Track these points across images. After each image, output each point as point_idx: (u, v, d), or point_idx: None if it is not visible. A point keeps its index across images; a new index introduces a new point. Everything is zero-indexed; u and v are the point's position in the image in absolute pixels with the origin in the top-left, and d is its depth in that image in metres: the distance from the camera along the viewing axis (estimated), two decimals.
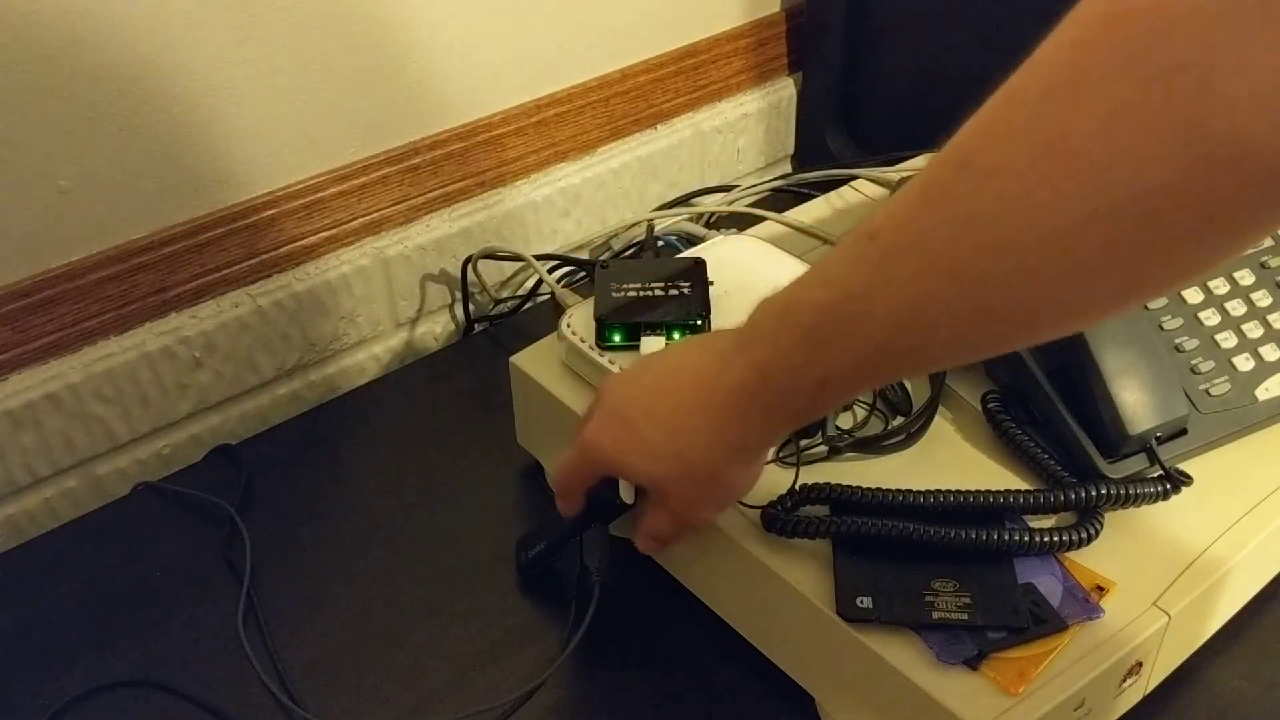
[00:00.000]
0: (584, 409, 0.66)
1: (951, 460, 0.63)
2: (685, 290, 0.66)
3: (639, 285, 0.68)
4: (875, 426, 0.64)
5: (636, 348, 0.65)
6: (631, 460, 0.55)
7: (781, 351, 0.47)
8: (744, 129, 1.10)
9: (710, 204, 1.03)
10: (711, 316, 0.66)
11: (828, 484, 0.59)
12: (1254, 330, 0.66)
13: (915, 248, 0.41)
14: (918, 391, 0.66)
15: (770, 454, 0.63)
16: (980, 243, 0.39)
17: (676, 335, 0.65)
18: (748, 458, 0.55)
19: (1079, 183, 0.35)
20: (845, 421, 0.65)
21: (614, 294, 0.68)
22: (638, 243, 0.99)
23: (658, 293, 0.67)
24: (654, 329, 0.65)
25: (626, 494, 0.61)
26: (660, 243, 0.96)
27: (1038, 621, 0.53)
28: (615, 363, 0.65)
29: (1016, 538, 0.56)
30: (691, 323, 0.65)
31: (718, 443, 0.52)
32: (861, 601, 0.54)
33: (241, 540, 0.72)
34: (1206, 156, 0.33)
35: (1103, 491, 0.57)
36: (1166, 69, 0.33)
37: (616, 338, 0.66)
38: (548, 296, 0.93)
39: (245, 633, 0.67)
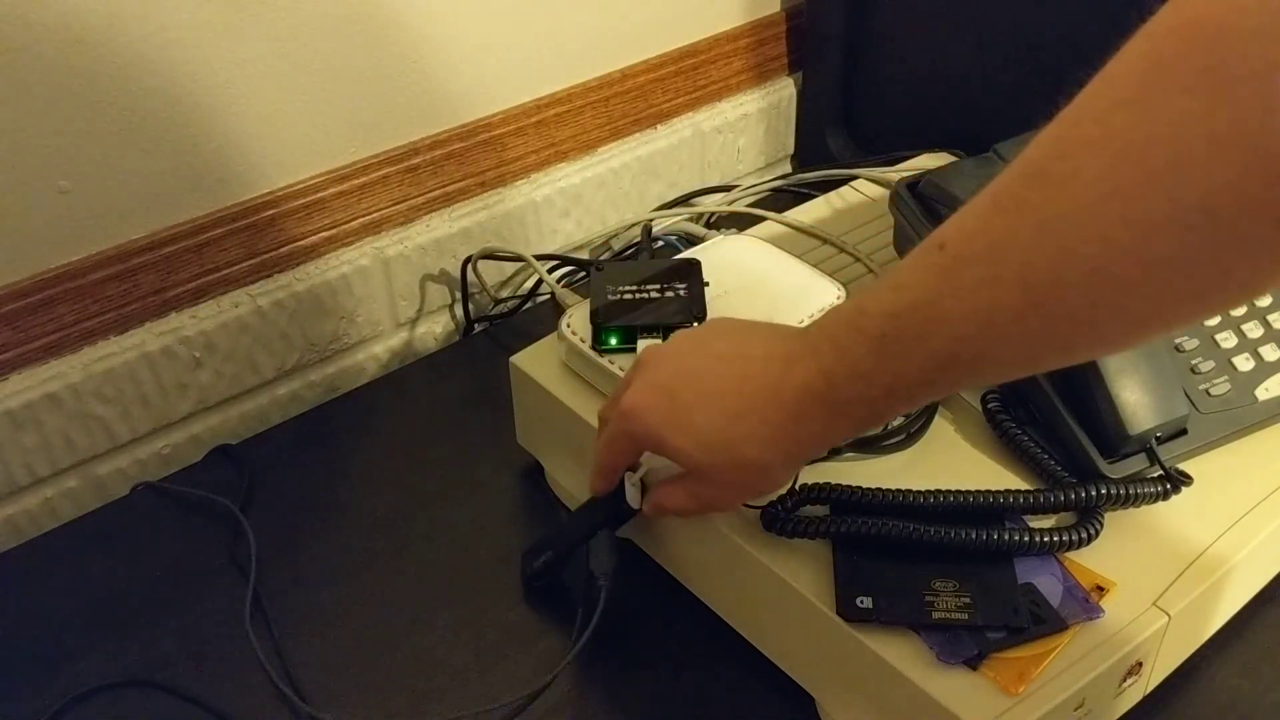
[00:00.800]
0: (584, 409, 0.67)
1: (951, 460, 0.63)
2: (681, 292, 0.66)
3: (635, 287, 0.68)
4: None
5: (634, 350, 0.65)
6: (676, 439, 0.54)
7: (849, 359, 0.47)
8: (744, 129, 1.10)
9: (710, 204, 1.03)
10: (708, 318, 0.66)
11: (828, 484, 0.59)
12: (1254, 330, 0.66)
13: (985, 256, 0.41)
14: None
15: None
16: (1052, 250, 0.39)
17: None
18: (799, 460, 0.55)
19: (1149, 190, 0.36)
20: None
21: (610, 296, 0.68)
22: (635, 244, 0.99)
23: (654, 294, 0.67)
24: (651, 331, 0.65)
25: (633, 499, 0.61)
26: (660, 243, 0.96)
27: (1038, 621, 0.53)
28: (615, 363, 0.65)
29: (1016, 538, 0.56)
30: (688, 324, 0.65)
31: (774, 441, 0.51)
32: (861, 601, 0.54)
33: (245, 540, 0.72)
34: (1267, 162, 0.34)
35: (1103, 491, 0.57)
36: (1231, 80, 0.34)
37: (613, 340, 0.66)
38: (548, 296, 0.93)
39: (253, 630, 0.67)
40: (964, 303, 0.42)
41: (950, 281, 0.43)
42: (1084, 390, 0.60)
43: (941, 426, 0.65)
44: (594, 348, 0.66)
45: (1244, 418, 0.63)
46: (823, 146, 1.09)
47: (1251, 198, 0.35)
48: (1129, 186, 0.37)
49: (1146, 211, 0.37)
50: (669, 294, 0.66)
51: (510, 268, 0.97)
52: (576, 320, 0.69)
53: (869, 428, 0.52)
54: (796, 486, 0.59)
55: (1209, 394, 0.63)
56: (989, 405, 0.63)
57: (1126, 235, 0.37)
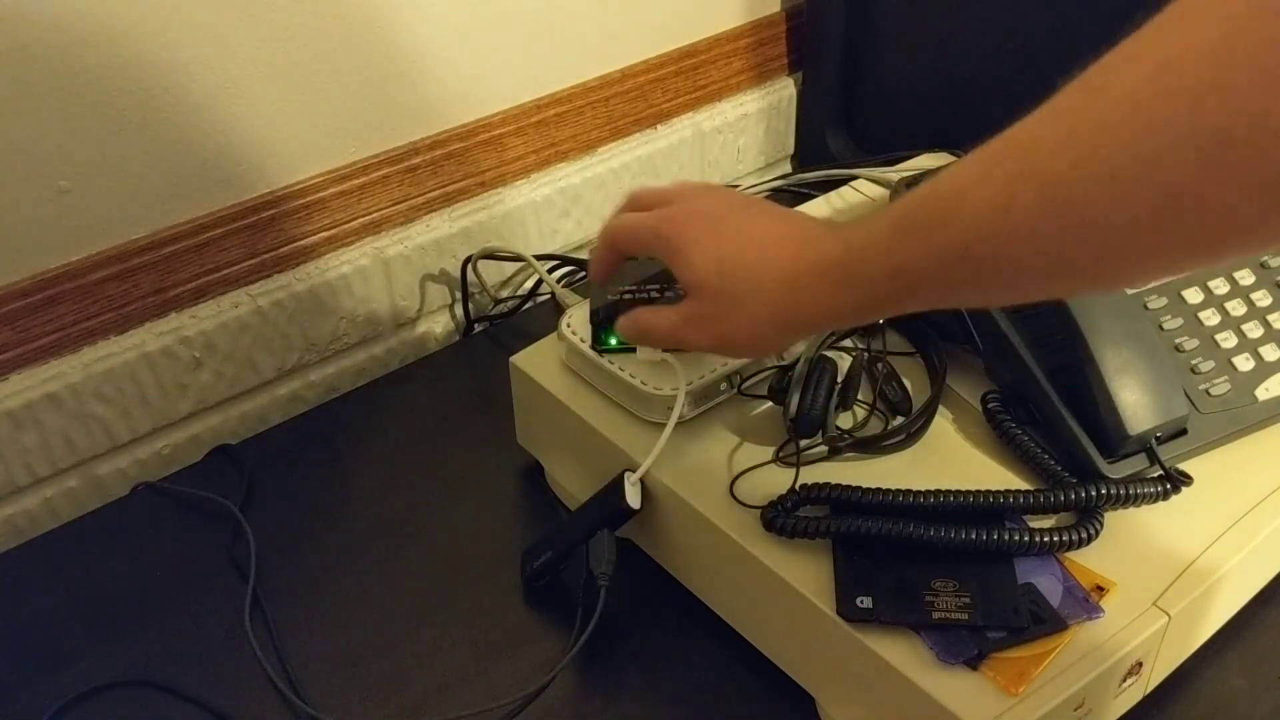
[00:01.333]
0: (584, 409, 0.67)
1: (951, 460, 0.63)
2: (680, 291, 0.66)
3: (635, 287, 0.68)
4: (875, 426, 0.64)
5: (633, 350, 0.65)
6: (696, 254, 0.55)
7: (868, 230, 0.48)
8: (744, 129, 1.10)
9: None
10: None
11: (828, 484, 0.59)
12: (1254, 330, 0.66)
13: (1017, 154, 0.42)
14: (918, 391, 0.66)
15: (770, 453, 0.63)
16: (1075, 154, 0.39)
17: None
18: (793, 328, 0.55)
19: (1172, 106, 0.36)
20: (845, 421, 0.65)
21: (610, 296, 0.68)
22: None
23: (653, 294, 0.67)
24: None
25: (633, 499, 0.61)
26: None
27: (1038, 621, 0.53)
28: (614, 363, 0.65)
29: (1016, 538, 0.56)
30: None
31: (781, 294, 0.52)
32: (861, 601, 0.54)
33: (245, 540, 0.72)
34: None
35: (1103, 491, 0.57)
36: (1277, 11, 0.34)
37: (613, 340, 0.66)
38: (548, 296, 0.93)
39: (252, 631, 0.67)
40: (984, 198, 0.43)
41: (979, 175, 0.43)
42: (1084, 390, 0.60)
43: (941, 426, 0.65)
44: (594, 348, 0.66)
45: (1244, 418, 0.63)
46: (823, 146, 1.09)
47: (1272, 132, 0.34)
48: (1154, 100, 0.37)
49: (1167, 128, 0.37)
50: (669, 294, 0.66)
51: (510, 268, 0.97)
52: (576, 320, 0.69)
53: (868, 315, 0.53)
54: (796, 486, 0.59)
55: (1209, 394, 0.63)
56: (989, 405, 0.63)
57: (1143, 148, 0.37)
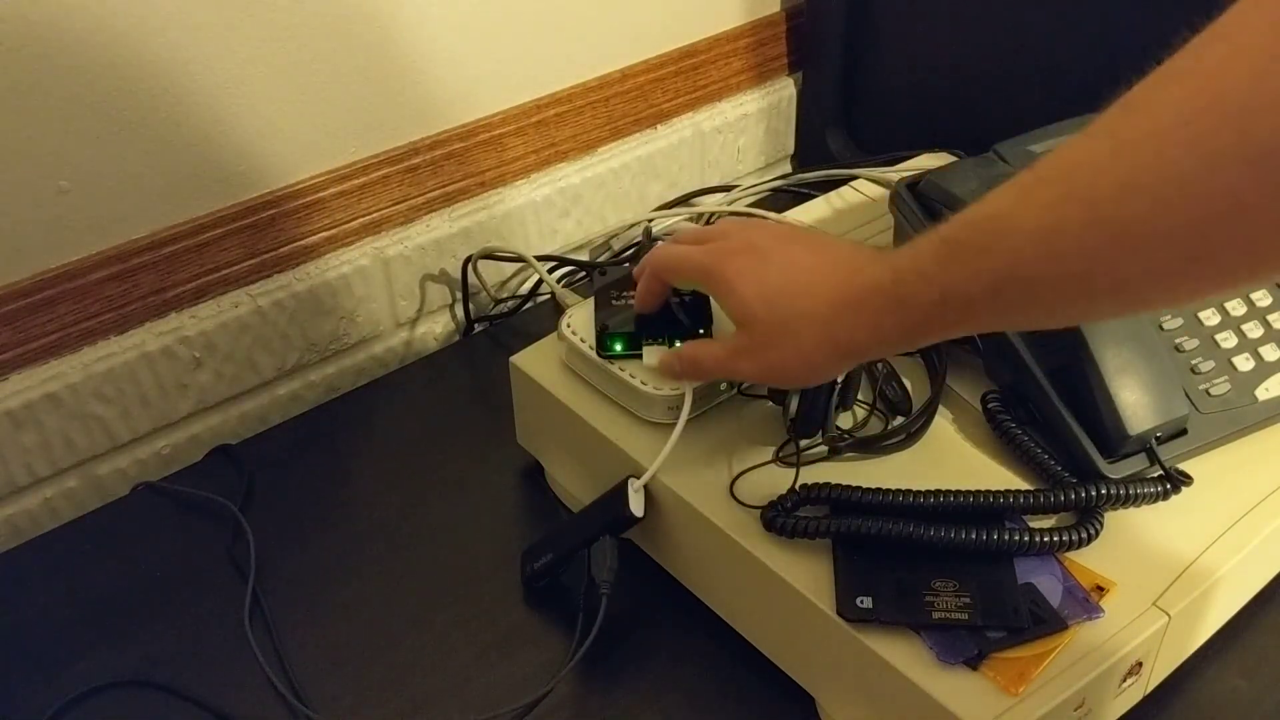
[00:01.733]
0: (584, 409, 0.67)
1: (951, 460, 0.63)
2: (685, 297, 0.66)
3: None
4: (875, 426, 0.64)
5: (638, 355, 0.65)
6: (744, 286, 0.55)
7: (918, 257, 0.48)
8: (744, 129, 1.10)
9: (710, 204, 1.03)
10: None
11: (828, 484, 0.59)
12: (1254, 330, 0.66)
13: (1064, 176, 0.43)
14: (918, 391, 0.66)
15: (770, 453, 0.63)
16: (1121, 171, 0.40)
17: (679, 344, 0.65)
18: (848, 356, 0.55)
19: (1221, 120, 0.37)
20: (845, 421, 0.65)
21: (614, 301, 0.68)
22: (636, 244, 0.99)
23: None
24: (656, 338, 0.65)
25: (636, 507, 0.61)
26: (660, 243, 0.96)
27: (1038, 621, 0.53)
28: (615, 363, 0.65)
29: (1016, 538, 0.56)
30: (693, 331, 0.65)
31: (830, 322, 0.52)
32: (861, 601, 0.54)
33: (244, 540, 0.72)
34: None
35: (1103, 491, 0.57)
36: None
37: (618, 346, 0.66)
38: (548, 296, 0.93)
39: (252, 631, 0.67)
40: (1032, 218, 0.43)
41: (1027, 197, 0.44)
42: (1084, 390, 0.60)
43: (941, 426, 0.65)
44: (598, 354, 0.66)
45: (1244, 418, 0.63)
46: (823, 146, 1.09)
47: None
48: (1202, 114, 0.37)
49: (1215, 142, 0.37)
50: (674, 299, 0.66)
51: (510, 268, 0.97)
52: (576, 320, 0.69)
53: (919, 339, 0.52)
54: (796, 486, 0.59)
55: (1209, 394, 0.63)
56: (989, 405, 0.63)
57: (1190, 163, 0.37)
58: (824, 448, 0.63)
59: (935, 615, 0.54)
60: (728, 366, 0.59)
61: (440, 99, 0.87)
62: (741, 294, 0.56)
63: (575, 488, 0.71)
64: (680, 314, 0.65)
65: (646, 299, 0.64)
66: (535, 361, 0.71)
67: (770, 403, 0.64)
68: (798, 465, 0.61)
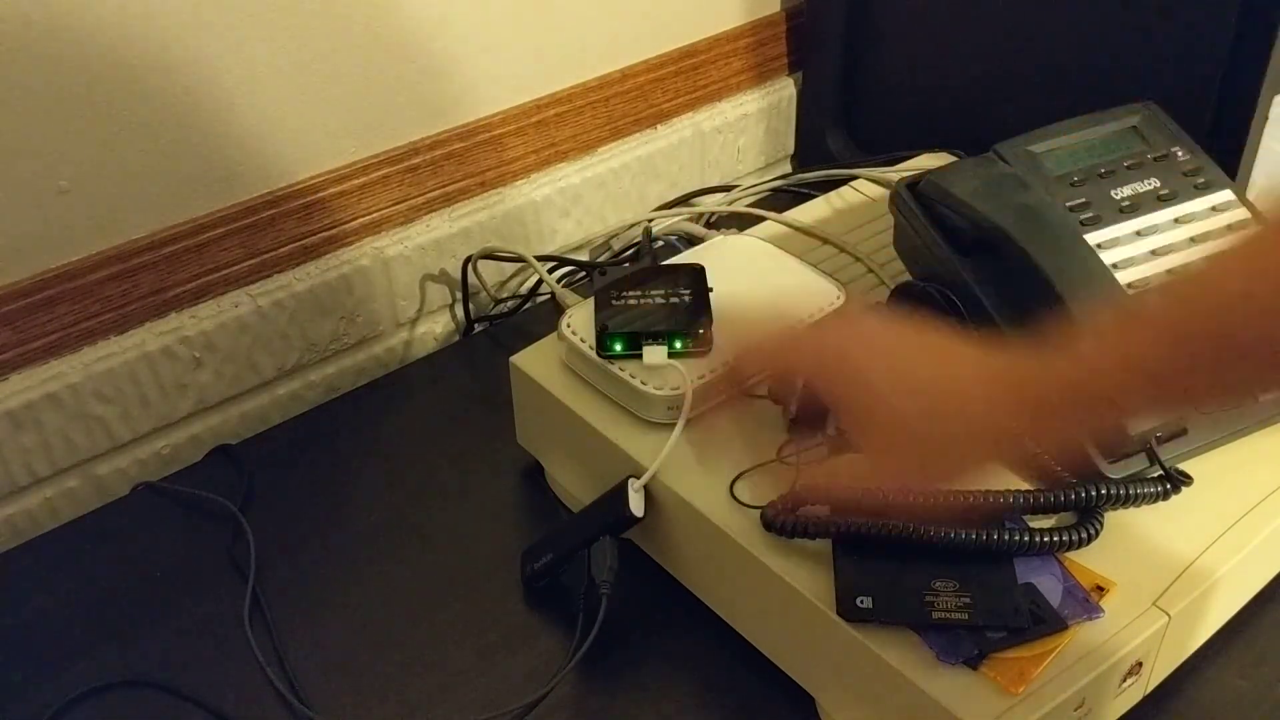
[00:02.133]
0: (584, 409, 0.67)
1: None
2: (685, 298, 0.66)
3: (639, 293, 0.68)
4: None
5: (638, 355, 0.65)
6: (897, 394, 0.51)
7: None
8: (744, 129, 1.10)
9: (710, 204, 1.03)
10: (714, 324, 0.66)
11: (827, 484, 0.58)
12: None
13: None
14: None
15: (770, 453, 0.63)
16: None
17: (678, 344, 0.65)
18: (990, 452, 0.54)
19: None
20: None
21: (614, 301, 0.68)
22: (636, 244, 0.99)
23: (658, 300, 0.67)
24: (656, 338, 0.65)
25: (637, 507, 0.61)
26: (660, 243, 0.96)
27: (1038, 621, 0.53)
28: (615, 364, 0.65)
29: (1016, 538, 0.56)
30: (694, 330, 0.65)
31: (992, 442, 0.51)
32: (861, 601, 0.54)
33: (244, 540, 0.72)
34: None
35: (1103, 491, 0.57)
36: None
37: (618, 347, 0.66)
38: (548, 296, 0.93)
39: (252, 631, 0.67)
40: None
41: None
42: None
43: None
44: (599, 354, 0.66)
45: (1244, 418, 0.63)
46: (823, 146, 1.09)
47: None
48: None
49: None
50: (674, 300, 0.66)
51: (510, 268, 0.97)
52: (577, 320, 0.69)
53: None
54: (797, 486, 0.59)
55: None
56: None
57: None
58: (824, 448, 0.62)
59: (935, 615, 0.54)
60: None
61: (440, 99, 0.87)
62: (893, 406, 0.51)
63: (575, 488, 0.71)
64: (679, 313, 0.65)
65: (782, 391, 0.61)
66: (535, 361, 0.71)
67: (770, 402, 0.64)
68: (798, 465, 0.61)
